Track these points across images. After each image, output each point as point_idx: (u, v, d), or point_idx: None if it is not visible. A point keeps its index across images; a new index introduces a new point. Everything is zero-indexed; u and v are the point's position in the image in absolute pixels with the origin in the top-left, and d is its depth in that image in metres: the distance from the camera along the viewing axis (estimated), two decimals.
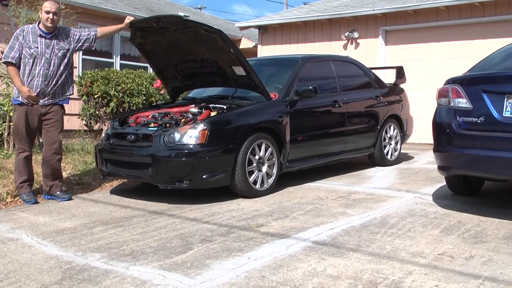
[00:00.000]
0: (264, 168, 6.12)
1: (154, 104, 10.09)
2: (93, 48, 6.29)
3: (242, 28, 15.43)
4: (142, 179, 5.97)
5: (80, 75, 11.37)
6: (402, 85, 9.05)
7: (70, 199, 6.08)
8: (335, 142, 7.28)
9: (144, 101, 10.96)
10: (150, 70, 13.23)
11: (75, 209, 5.65)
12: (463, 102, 5.10)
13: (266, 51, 14.14)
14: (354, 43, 12.91)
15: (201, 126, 5.64)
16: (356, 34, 12.74)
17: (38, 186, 6.41)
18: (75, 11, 8.93)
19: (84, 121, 10.95)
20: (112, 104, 10.64)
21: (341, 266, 3.70)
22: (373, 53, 12.59)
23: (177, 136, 5.65)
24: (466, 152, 5.04)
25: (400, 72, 8.94)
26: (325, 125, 7.12)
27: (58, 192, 6.10)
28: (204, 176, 5.59)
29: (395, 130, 8.44)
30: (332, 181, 7.06)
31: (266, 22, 14.19)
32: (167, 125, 5.97)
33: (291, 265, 3.73)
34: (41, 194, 6.22)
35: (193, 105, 6.50)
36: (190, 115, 6.18)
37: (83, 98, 10.92)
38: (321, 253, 3.97)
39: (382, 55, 12.58)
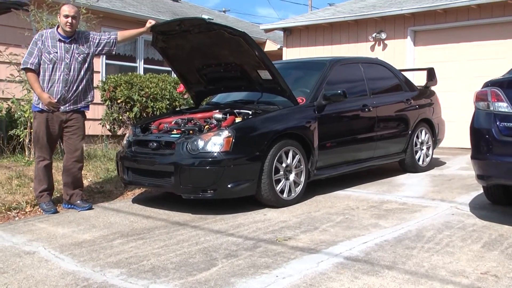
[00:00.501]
0: (292, 176, 5.86)
1: (177, 109, 9.89)
2: (113, 53, 6.10)
3: (267, 31, 15.20)
4: (164, 188, 5.76)
5: (104, 79, 11.26)
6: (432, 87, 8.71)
7: (90, 208, 5.90)
8: (365, 148, 6.99)
9: (168, 106, 10.81)
10: (174, 74, 13.08)
11: (95, 219, 5.46)
12: (503, 106, 4.78)
13: (291, 54, 13.88)
14: (381, 45, 12.58)
15: (225, 133, 5.41)
16: (383, 35, 12.41)
17: (58, 195, 6.24)
18: (96, 16, 8.75)
19: (107, 126, 10.83)
20: (135, 109, 10.52)
21: (376, 286, 3.42)
22: (402, 55, 12.24)
23: (200, 143, 5.42)
24: (508, 160, 4.71)
25: (431, 74, 8.61)
26: (355, 130, 6.83)
27: (78, 201, 5.92)
28: (229, 185, 5.35)
29: (427, 135, 8.10)
30: (362, 189, 6.77)
31: (291, 24, 13.93)
32: (190, 132, 5.75)
33: (322, 284, 3.46)
34: (61, 203, 6.05)
35: (217, 111, 6.28)
36: (214, 121, 5.95)
37: (106, 103, 10.80)
38: (354, 271, 3.70)
39: (410, 56, 12.23)
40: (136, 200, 6.34)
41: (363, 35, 12.84)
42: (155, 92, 10.70)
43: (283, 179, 5.76)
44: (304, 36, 13.84)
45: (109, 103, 10.81)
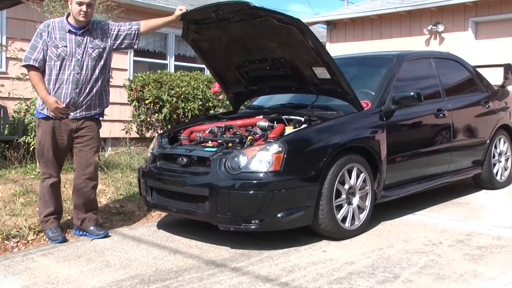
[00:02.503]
0: (355, 200, 4.68)
1: (212, 113, 8.79)
2: (136, 47, 4.99)
3: (308, 25, 13.94)
4: (196, 216, 4.57)
5: (131, 78, 10.24)
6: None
7: (106, 236, 4.82)
8: (439, 161, 5.76)
9: (200, 107, 9.71)
10: (207, 72, 12.04)
11: (111, 252, 4.37)
12: None
13: (335, 50, 12.64)
14: (438, 38, 11.29)
15: (275, 147, 4.24)
16: (440, 28, 11.11)
17: (69, 217, 5.19)
18: (117, 4, 7.64)
19: (134, 128, 9.84)
20: (165, 110, 9.47)
21: None
22: (461, 49, 10.86)
23: (242, 160, 4.27)
24: None
25: (508, 71, 7.29)
26: (428, 140, 5.61)
27: (91, 228, 4.85)
28: (279, 215, 4.19)
29: (505, 144, 6.82)
30: (435, 212, 5.55)
31: (335, 16, 12.70)
32: (229, 144, 4.60)
33: None
34: (71, 228, 4.99)
35: (261, 117, 5.15)
36: (259, 131, 4.81)
37: (133, 103, 9.79)
38: None
39: (471, 51, 10.89)
40: (162, 225, 5.23)
41: (416, 27, 11.55)
42: (187, 92, 9.59)
43: (345, 204, 4.59)
44: (350, 30, 12.60)
45: (136, 103, 9.78)
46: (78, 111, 4.67)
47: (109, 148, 10.87)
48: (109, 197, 5.97)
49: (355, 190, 4.67)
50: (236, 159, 4.29)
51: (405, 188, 5.33)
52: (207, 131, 5.08)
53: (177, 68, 12.14)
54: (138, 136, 10.17)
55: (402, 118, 5.24)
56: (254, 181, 4.16)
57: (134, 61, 11.80)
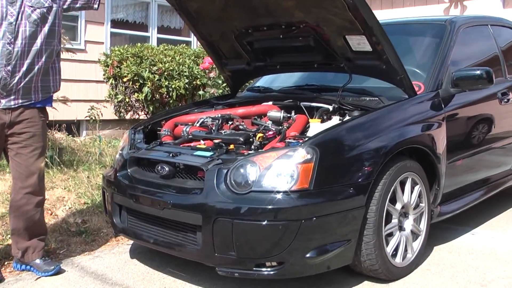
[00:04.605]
0: (409, 224, 3.32)
1: (202, 94, 7.43)
2: (96, 6, 3.55)
3: None
4: (184, 253, 3.10)
5: (108, 53, 8.88)
6: None
7: (58, 272, 3.44)
8: (501, 161, 4.42)
9: (186, 85, 8.37)
10: (195, 45, 10.61)
11: None
12: None
13: None
14: (459, 6, 9.88)
15: (301, 153, 2.83)
16: None
17: (9, 242, 3.80)
18: None
19: (112, 109, 8.57)
20: (145, 89, 8.22)
21: None
22: None
23: (252, 172, 2.86)
24: None
25: None
26: (491, 134, 4.23)
27: (37, 261, 3.46)
28: (307, 255, 2.81)
29: None
30: (498, 230, 4.22)
31: None
32: (230, 146, 3.20)
33: None
34: (11, 260, 3.60)
35: (270, 103, 3.77)
36: (270, 125, 3.42)
37: (110, 81, 8.48)
38: None
39: None
40: (136, 252, 3.82)
41: None
42: (171, 68, 8.29)
43: (397, 231, 3.22)
44: None
45: (113, 81, 8.49)
46: (12, 97, 3.26)
47: (83, 132, 9.47)
48: (69, 208, 4.55)
49: (408, 210, 3.31)
50: (242, 171, 2.87)
51: (463, 199, 3.96)
52: (197, 124, 3.68)
53: (160, 41, 10.68)
54: (116, 118, 8.88)
55: (463, 105, 3.87)
56: (270, 206, 2.76)
57: (112, 33, 10.31)
